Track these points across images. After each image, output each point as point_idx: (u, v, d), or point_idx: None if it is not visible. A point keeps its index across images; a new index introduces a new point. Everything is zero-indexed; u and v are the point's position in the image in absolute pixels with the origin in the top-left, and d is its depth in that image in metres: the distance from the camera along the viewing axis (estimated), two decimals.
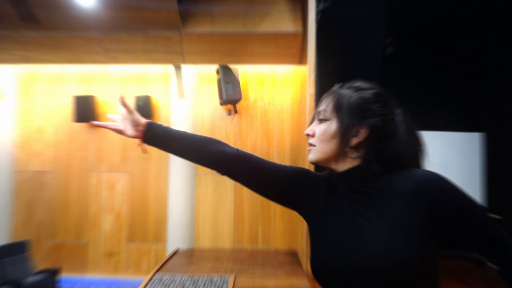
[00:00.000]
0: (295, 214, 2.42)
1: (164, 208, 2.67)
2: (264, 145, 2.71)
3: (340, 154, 0.78)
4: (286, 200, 0.88)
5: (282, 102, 2.73)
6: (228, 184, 2.70)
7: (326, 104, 0.80)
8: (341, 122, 0.77)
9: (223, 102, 2.56)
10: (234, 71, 2.56)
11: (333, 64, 2.24)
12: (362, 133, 0.76)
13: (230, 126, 2.73)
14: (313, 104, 1.96)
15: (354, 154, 0.77)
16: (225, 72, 2.52)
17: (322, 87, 2.04)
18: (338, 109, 0.78)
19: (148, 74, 2.75)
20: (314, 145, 0.81)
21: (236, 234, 2.68)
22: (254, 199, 2.69)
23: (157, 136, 0.89)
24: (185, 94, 2.59)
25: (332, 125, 0.78)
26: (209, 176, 2.70)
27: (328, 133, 0.78)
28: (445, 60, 2.35)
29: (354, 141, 0.76)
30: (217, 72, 2.57)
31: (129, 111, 0.92)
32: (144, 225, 2.70)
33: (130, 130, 0.90)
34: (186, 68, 2.62)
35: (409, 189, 0.70)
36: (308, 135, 0.82)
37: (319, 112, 0.81)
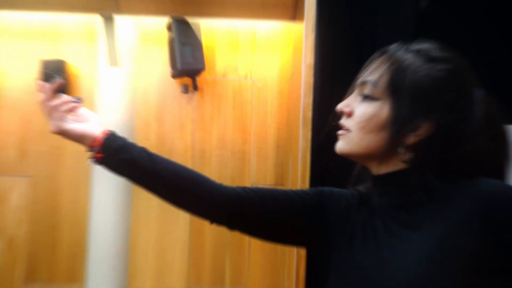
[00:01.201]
0: None
1: (83, 231, 2.54)
2: (237, 139, 2.66)
3: (386, 152, 0.77)
4: (309, 239, 0.93)
5: (265, 76, 2.70)
6: None
7: (379, 75, 0.77)
8: (397, 109, 0.75)
9: (177, 74, 2.49)
10: (194, 27, 2.50)
11: (341, 21, 2.18)
12: (423, 130, 0.74)
13: (187, 109, 2.66)
14: (310, 79, 1.93)
15: (407, 157, 0.75)
16: (181, 28, 2.47)
17: (326, 54, 1.99)
18: (396, 88, 0.76)
19: (62, 27, 2.64)
20: (349, 130, 0.80)
21: (193, 269, 2.63)
22: None
23: (126, 147, 0.89)
24: (119, 60, 2.48)
25: (383, 110, 0.76)
26: None
27: (375, 120, 0.77)
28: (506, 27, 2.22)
29: (412, 139, 0.75)
30: (169, 28, 2.51)
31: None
32: (52, 256, 2.59)
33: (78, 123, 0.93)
34: (121, 20, 2.51)
35: (467, 205, 0.69)
36: (342, 112, 0.82)
37: (364, 83, 0.79)
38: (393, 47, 0.80)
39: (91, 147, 0.90)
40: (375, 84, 0.77)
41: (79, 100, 0.94)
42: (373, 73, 0.79)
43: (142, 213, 2.62)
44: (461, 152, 0.74)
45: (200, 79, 2.59)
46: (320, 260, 0.89)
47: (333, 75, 2.09)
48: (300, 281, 1.86)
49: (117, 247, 2.53)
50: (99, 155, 0.89)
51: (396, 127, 0.75)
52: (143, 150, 0.90)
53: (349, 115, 0.80)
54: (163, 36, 2.56)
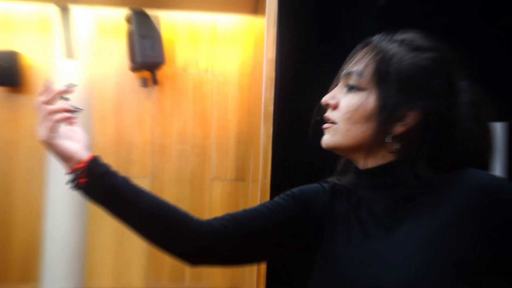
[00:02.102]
0: None
1: (38, 227, 2.49)
2: (197, 134, 2.64)
3: (373, 143, 0.77)
4: (299, 246, 0.93)
5: (226, 70, 2.69)
6: None
7: (364, 65, 0.78)
8: (384, 98, 0.76)
9: (136, 67, 2.47)
10: (153, 20, 2.48)
11: (303, 15, 2.21)
12: (410, 119, 0.75)
13: (146, 104, 2.62)
14: (272, 74, 1.91)
15: (395, 147, 0.76)
16: (140, 21, 2.45)
17: (288, 49, 2.02)
18: (382, 77, 0.76)
19: (16, 17, 2.58)
20: (335, 123, 0.80)
21: (152, 266, 2.60)
22: None
23: (109, 174, 0.86)
24: (75, 52, 2.45)
25: (369, 99, 0.77)
26: None
27: (361, 111, 0.77)
28: (472, 22, 2.23)
29: (399, 129, 0.75)
30: (128, 20, 2.49)
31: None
32: (4, 255, 2.53)
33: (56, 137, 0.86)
34: (78, 11, 2.48)
35: (461, 200, 0.69)
36: (327, 105, 0.82)
37: (349, 74, 0.79)
38: (376, 37, 0.81)
39: (73, 170, 0.86)
40: (360, 74, 0.78)
41: (78, 110, 0.90)
42: (358, 64, 0.79)
43: (99, 209, 2.56)
44: (448, 141, 0.75)
45: (159, 73, 2.57)
46: (312, 261, 0.88)
47: (295, 69, 2.11)
48: (261, 277, 1.87)
49: (73, 244, 2.49)
50: (82, 180, 0.86)
51: (383, 117, 0.75)
52: (125, 179, 0.88)
53: (335, 107, 0.80)
54: (122, 28, 2.53)
